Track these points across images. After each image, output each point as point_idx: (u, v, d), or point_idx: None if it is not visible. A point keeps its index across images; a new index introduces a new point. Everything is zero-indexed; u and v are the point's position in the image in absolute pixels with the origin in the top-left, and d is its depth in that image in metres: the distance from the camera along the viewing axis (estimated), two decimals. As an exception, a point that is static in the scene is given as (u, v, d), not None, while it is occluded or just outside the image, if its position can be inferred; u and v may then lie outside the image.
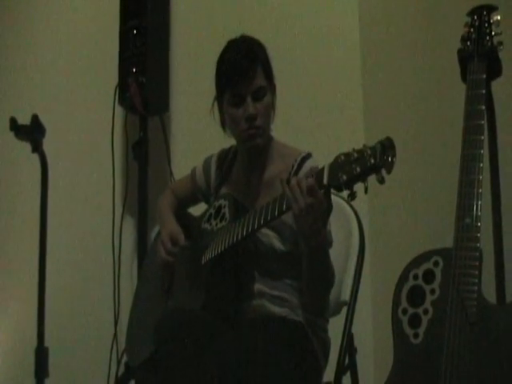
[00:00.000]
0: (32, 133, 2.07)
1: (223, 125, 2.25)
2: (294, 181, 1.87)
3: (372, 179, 1.76)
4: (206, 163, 2.41)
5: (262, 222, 1.98)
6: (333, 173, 1.79)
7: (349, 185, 1.77)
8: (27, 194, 3.01)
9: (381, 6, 3.44)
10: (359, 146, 1.79)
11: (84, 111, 3.32)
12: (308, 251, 1.98)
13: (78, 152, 3.30)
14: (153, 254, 2.41)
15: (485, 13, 2.22)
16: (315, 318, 2.17)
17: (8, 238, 3.22)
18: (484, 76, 2.16)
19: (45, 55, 3.36)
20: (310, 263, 2.02)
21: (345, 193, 1.80)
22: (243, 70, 2.11)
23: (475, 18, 2.23)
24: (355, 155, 1.75)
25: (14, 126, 2.06)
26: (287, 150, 2.26)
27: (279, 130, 2.29)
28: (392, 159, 1.71)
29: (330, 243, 2.11)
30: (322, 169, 1.83)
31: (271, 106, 2.19)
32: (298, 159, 2.18)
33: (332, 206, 2.03)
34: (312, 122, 3.38)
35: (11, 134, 2.06)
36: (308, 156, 2.19)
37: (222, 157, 2.38)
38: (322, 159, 1.93)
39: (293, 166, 2.17)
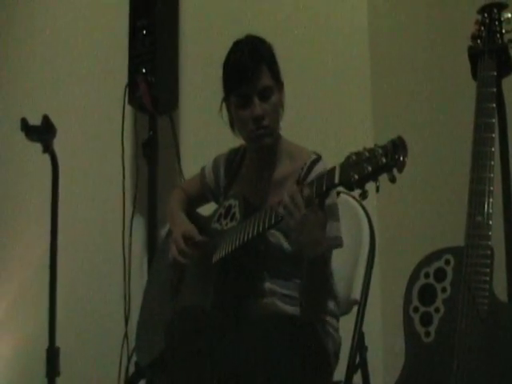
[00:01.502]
0: (43, 133, 2.08)
1: (232, 125, 2.25)
2: (287, 196, 1.88)
3: (383, 178, 1.75)
4: (215, 163, 2.41)
5: (272, 221, 1.98)
6: (344, 172, 1.78)
7: (360, 184, 1.76)
8: (38, 193, 3.00)
9: (390, 4, 3.43)
10: (368, 145, 1.78)
11: (94, 111, 3.33)
12: (307, 263, 1.98)
13: (89, 152, 3.31)
14: (162, 253, 2.41)
15: (495, 10, 2.22)
16: (327, 316, 2.17)
17: (19, 238, 3.22)
18: (494, 74, 2.15)
19: (54, 56, 3.36)
20: (309, 275, 2.01)
21: (356, 192, 1.80)
22: (248, 70, 2.11)
23: (485, 15, 2.23)
24: (366, 154, 1.75)
25: (25, 126, 2.07)
26: (297, 149, 2.25)
27: (289, 130, 2.29)
28: (404, 159, 1.70)
29: (335, 246, 2.13)
30: (334, 168, 1.83)
31: (279, 105, 2.18)
32: (308, 162, 2.17)
33: (326, 215, 2.03)
34: (321, 121, 3.39)
35: (22, 135, 2.07)
36: (318, 159, 2.18)
37: (231, 156, 2.38)
38: (331, 158, 1.93)
39: (302, 169, 2.17)
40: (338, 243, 2.13)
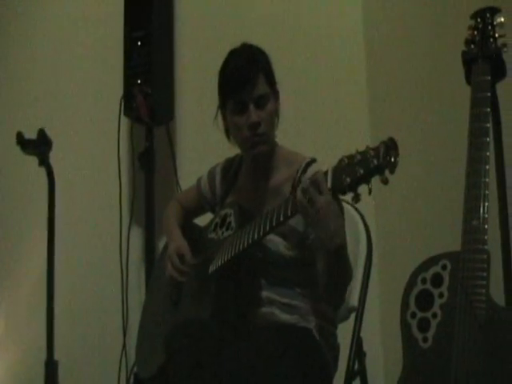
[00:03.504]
0: (39, 147, 2.09)
1: (227, 134, 2.25)
2: (306, 183, 1.84)
3: (378, 186, 1.76)
4: (211, 173, 2.41)
5: (267, 228, 1.98)
6: (336, 176, 1.79)
7: (353, 187, 1.76)
8: (35, 206, 3.01)
9: (385, 10, 3.44)
10: (363, 148, 1.79)
11: (90, 123, 3.33)
12: (327, 255, 1.91)
13: (85, 164, 3.31)
14: (160, 267, 2.41)
15: (488, 15, 2.22)
16: (326, 323, 2.17)
17: (17, 251, 3.23)
18: (489, 78, 2.16)
19: (50, 68, 3.37)
20: (328, 267, 1.95)
21: (349, 195, 1.80)
22: (245, 77, 2.11)
23: (479, 20, 2.23)
24: (358, 157, 1.75)
25: (21, 140, 2.08)
26: (292, 156, 2.25)
27: (285, 135, 2.29)
28: (395, 159, 1.70)
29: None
30: (326, 172, 1.82)
31: (275, 113, 2.19)
32: (303, 165, 2.17)
33: (343, 206, 2.01)
34: (318, 127, 3.39)
35: (18, 149, 2.08)
36: (312, 161, 2.18)
37: (227, 166, 2.38)
38: (328, 162, 1.93)
39: (297, 172, 2.17)
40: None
